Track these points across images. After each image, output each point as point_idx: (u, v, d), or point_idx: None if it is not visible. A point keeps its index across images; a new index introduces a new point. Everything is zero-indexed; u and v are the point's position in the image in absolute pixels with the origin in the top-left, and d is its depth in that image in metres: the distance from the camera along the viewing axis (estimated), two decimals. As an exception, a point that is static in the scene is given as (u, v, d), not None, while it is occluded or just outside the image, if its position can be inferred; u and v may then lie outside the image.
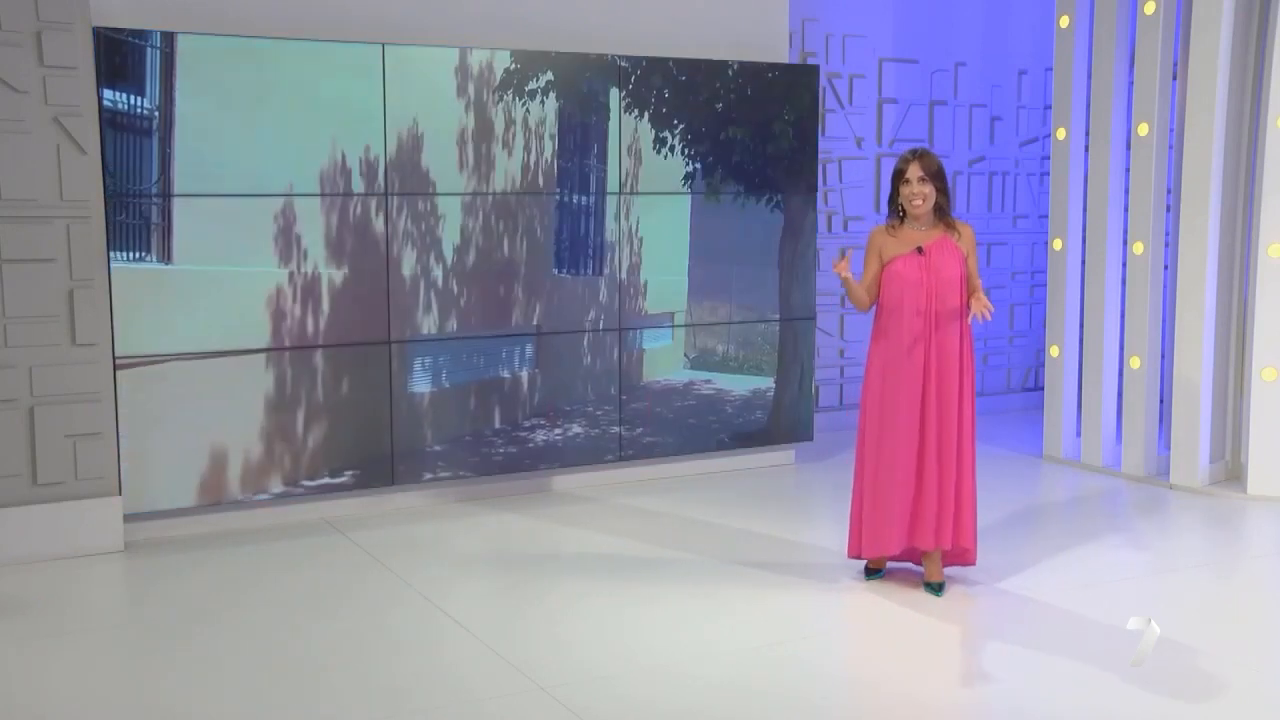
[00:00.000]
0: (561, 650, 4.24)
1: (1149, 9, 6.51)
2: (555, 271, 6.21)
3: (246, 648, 4.27)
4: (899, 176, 4.67)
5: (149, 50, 5.27)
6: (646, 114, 6.32)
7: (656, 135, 6.35)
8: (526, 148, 6.06)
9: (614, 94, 6.23)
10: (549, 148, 6.11)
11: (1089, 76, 6.97)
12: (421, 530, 5.72)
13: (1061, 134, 7.07)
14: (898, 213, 4.73)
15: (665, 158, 6.40)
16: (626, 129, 6.28)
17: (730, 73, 6.49)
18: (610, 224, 6.30)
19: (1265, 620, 4.69)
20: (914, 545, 4.78)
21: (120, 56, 5.22)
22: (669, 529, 5.72)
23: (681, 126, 6.41)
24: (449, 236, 5.93)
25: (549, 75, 6.06)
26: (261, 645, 4.30)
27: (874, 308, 4.81)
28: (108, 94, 5.21)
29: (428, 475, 6.03)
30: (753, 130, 6.59)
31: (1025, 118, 8.66)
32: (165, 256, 5.38)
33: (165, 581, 4.99)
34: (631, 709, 3.78)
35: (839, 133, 7.92)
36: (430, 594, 4.79)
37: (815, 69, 6.81)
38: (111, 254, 5.27)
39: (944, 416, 4.67)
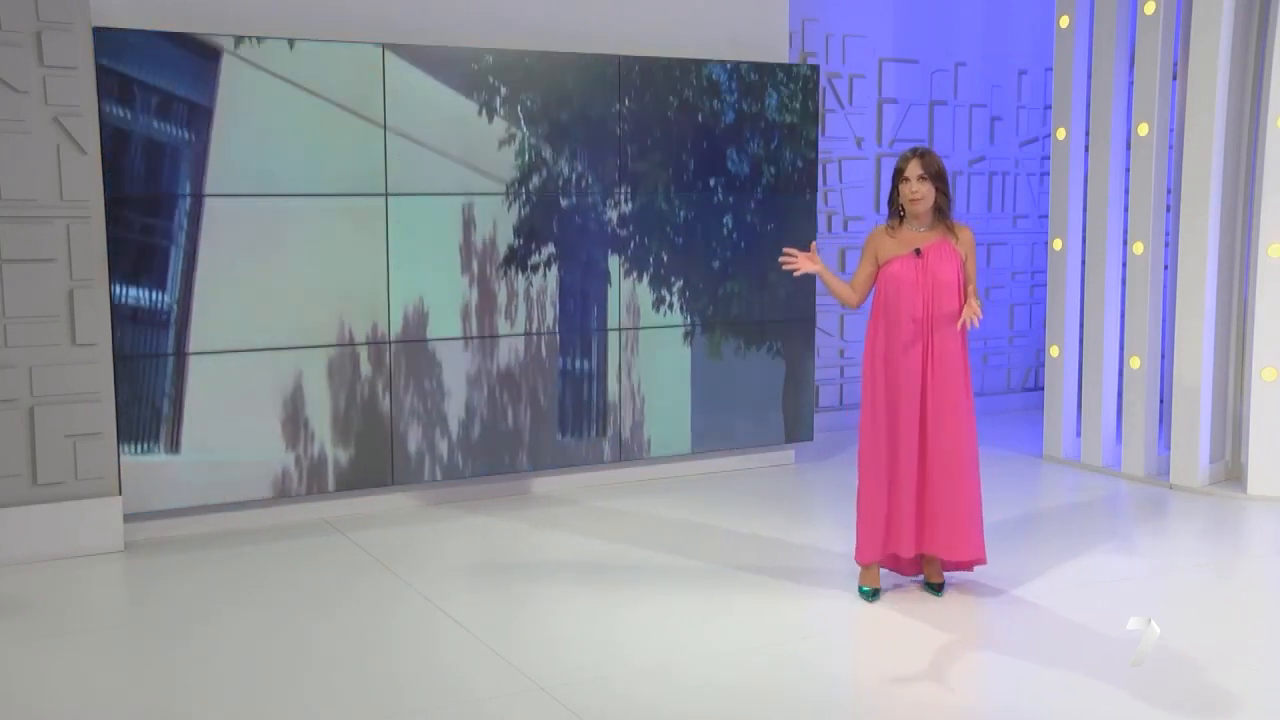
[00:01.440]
0: (561, 650, 4.24)
1: (1149, 9, 6.51)
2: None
3: (246, 648, 4.27)
4: (899, 175, 4.65)
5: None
6: (645, 113, 6.33)
7: (653, 133, 6.36)
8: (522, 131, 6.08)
9: (613, 93, 6.23)
10: (546, 151, 6.13)
11: (1089, 76, 6.97)
12: (421, 531, 5.72)
13: (1061, 134, 7.07)
14: (898, 213, 4.71)
15: (663, 156, 6.40)
16: (625, 137, 6.29)
17: (729, 72, 6.50)
18: (610, 221, 6.31)
19: (1265, 620, 4.69)
20: (928, 554, 4.73)
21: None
22: (669, 530, 5.72)
23: (680, 125, 6.42)
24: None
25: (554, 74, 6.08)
26: (261, 645, 4.30)
27: (870, 310, 4.78)
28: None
29: (428, 476, 6.03)
30: (752, 130, 6.59)
31: (1025, 118, 8.67)
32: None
33: (165, 581, 4.99)
34: (631, 709, 3.78)
35: (839, 133, 7.92)
36: (430, 594, 4.79)
37: (815, 69, 6.81)
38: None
39: (943, 421, 4.63)
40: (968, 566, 4.87)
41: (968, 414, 4.70)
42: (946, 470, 4.65)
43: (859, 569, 4.84)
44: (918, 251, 4.62)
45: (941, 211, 4.65)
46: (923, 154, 4.61)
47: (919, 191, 4.59)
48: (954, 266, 4.62)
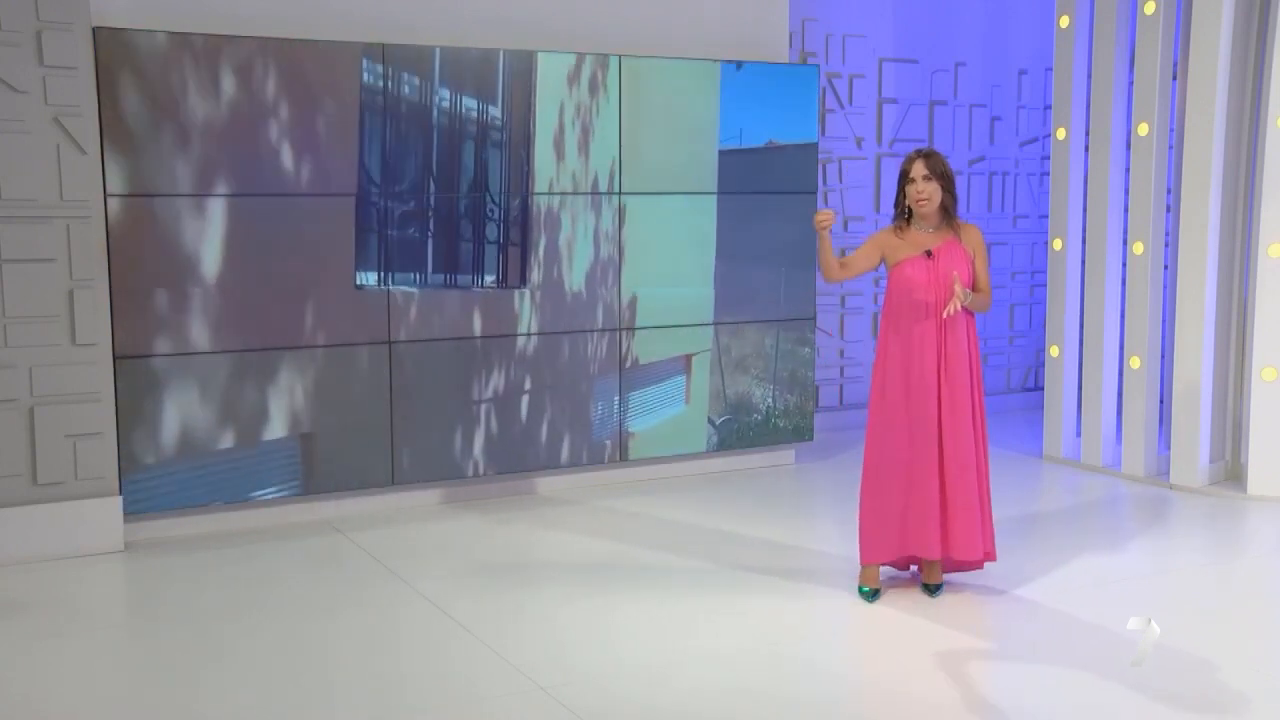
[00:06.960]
0: (562, 651, 4.24)
1: (1149, 9, 6.51)
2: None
3: (246, 647, 4.27)
4: (904, 176, 4.65)
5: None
6: (641, 112, 6.33)
7: (651, 134, 6.36)
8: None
9: (612, 87, 6.23)
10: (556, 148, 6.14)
11: (1089, 76, 6.97)
12: (422, 531, 5.72)
13: (1061, 134, 7.07)
14: (905, 214, 4.71)
15: (662, 155, 6.41)
16: (624, 130, 6.29)
17: (729, 72, 6.49)
18: (605, 229, 6.31)
19: (1266, 620, 4.68)
20: (950, 555, 4.71)
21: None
22: (670, 530, 5.72)
23: (680, 125, 6.42)
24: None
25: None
26: (261, 645, 4.30)
27: (881, 313, 4.77)
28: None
29: (429, 476, 6.03)
30: (752, 130, 6.58)
31: (1025, 118, 8.66)
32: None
33: (165, 581, 4.99)
34: (631, 709, 3.77)
35: (839, 133, 7.92)
36: (430, 594, 4.79)
37: (815, 69, 6.81)
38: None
39: (959, 420, 4.63)
40: (979, 565, 4.85)
41: (981, 412, 4.74)
42: (964, 469, 4.65)
43: (859, 569, 4.83)
44: (929, 253, 4.62)
45: (948, 212, 4.66)
46: (928, 154, 4.62)
47: (925, 191, 4.59)
48: (965, 266, 4.64)
